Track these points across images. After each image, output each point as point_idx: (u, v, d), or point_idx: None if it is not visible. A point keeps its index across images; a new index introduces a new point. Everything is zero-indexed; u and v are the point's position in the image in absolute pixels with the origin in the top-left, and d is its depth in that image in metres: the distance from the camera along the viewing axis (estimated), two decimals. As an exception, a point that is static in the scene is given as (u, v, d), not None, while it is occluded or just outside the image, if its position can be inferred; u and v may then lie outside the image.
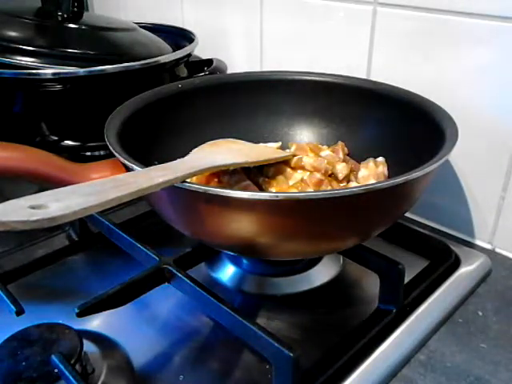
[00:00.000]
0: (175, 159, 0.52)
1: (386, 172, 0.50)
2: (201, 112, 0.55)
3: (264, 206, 0.35)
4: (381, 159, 0.51)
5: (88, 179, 0.39)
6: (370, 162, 0.50)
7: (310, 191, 0.44)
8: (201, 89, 0.56)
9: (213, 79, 0.59)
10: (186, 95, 0.55)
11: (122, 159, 0.38)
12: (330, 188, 0.47)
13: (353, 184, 0.49)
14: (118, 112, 0.47)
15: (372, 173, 0.49)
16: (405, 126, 0.50)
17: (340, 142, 0.53)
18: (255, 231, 0.37)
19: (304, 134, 0.58)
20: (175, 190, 0.35)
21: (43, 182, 0.39)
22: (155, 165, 0.49)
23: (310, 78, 0.57)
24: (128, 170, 0.39)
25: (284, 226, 0.36)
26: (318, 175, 0.47)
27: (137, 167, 0.37)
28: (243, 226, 0.36)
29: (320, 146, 0.54)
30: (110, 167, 0.40)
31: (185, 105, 0.54)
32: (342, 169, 0.49)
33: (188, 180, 0.35)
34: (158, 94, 0.53)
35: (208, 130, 0.54)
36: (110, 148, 0.40)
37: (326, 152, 0.52)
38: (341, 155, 0.51)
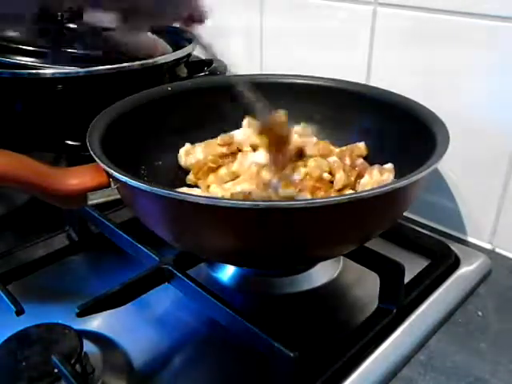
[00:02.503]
0: (163, 164, 0.52)
1: (391, 179, 0.48)
2: (189, 115, 0.54)
3: (245, 214, 0.34)
4: (388, 166, 0.49)
5: (67, 185, 0.38)
6: (375, 170, 0.48)
7: (285, 201, 0.43)
8: (190, 91, 0.55)
9: (202, 82, 0.59)
10: (172, 98, 0.54)
11: (102, 165, 0.37)
12: (323, 193, 0.47)
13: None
14: (102, 116, 0.46)
15: (372, 181, 0.48)
16: (398, 131, 0.49)
17: (348, 147, 0.52)
18: (238, 240, 0.36)
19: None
20: (155, 197, 0.35)
21: (20, 188, 0.38)
22: (142, 170, 0.49)
23: (303, 81, 0.56)
24: (109, 175, 0.38)
25: (263, 234, 0.35)
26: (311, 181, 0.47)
27: (117, 173, 0.36)
28: (224, 234, 0.36)
29: (332, 147, 0.52)
30: (89, 172, 0.39)
31: (172, 108, 0.53)
32: (338, 180, 0.48)
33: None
34: (146, 96, 0.52)
35: (196, 134, 0.54)
36: (92, 154, 0.39)
37: (333, 158, 0.51)
38: (347, 161, 0.50)
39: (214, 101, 0.55)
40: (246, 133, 0.54)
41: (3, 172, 0.36)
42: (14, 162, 0.37)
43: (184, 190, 0.49)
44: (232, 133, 0.54)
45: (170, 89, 0.54)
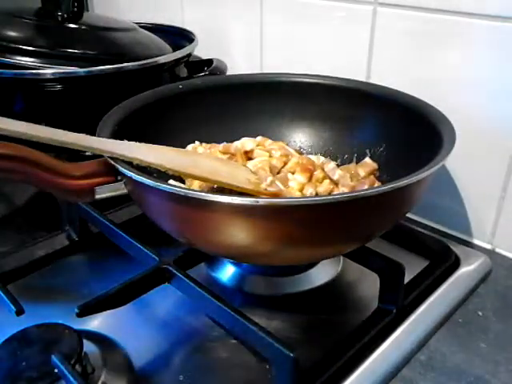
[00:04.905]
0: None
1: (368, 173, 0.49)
2: (198, 114, 0.55)
3: (245, 211, 0.34)
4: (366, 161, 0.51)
5: (74, 178, 0.39)
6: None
7: (288, 197, 0.44)
8: (199, 90, 0.56)
9: (211, 81, 0.59)
10: (183, 96, 0.54)
11: (109, 159, 0.38)
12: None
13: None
14: (112, 114, 0.47)
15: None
16: (404, 129, 0.49)
17: (354, 166, 0.52)
18: (242, 237, 0.36)
19: (303, 136, 0.57)
20: (160, 193, 0.35)
21: (27, 181, 0.39)
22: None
23: (310, 80, 0.56)
24: (116, 170, 0.39)
25: (263, 230, 0.36)
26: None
27: (122, 168, 0.37)
28: (228, 231, 0.36)
29: (311, 168, 0.50)
30: (97, 166, 0.39)
31: (182, 106, 0.54)
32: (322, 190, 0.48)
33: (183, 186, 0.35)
34: (156, 94, 0.52)
35: (205, 133, 0.54)
36: None
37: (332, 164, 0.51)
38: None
39: (229, 100, 0.56)
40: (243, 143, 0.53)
41: (12, 164, 0.37)
42: (22, 155, 0.37)
43: (171, 181, 0.49)
44: (234, 143, 0.54)
45: (180, 86, 0.55)
